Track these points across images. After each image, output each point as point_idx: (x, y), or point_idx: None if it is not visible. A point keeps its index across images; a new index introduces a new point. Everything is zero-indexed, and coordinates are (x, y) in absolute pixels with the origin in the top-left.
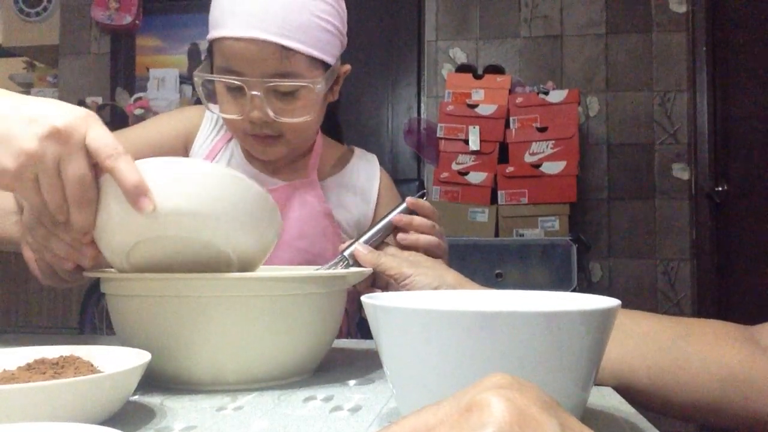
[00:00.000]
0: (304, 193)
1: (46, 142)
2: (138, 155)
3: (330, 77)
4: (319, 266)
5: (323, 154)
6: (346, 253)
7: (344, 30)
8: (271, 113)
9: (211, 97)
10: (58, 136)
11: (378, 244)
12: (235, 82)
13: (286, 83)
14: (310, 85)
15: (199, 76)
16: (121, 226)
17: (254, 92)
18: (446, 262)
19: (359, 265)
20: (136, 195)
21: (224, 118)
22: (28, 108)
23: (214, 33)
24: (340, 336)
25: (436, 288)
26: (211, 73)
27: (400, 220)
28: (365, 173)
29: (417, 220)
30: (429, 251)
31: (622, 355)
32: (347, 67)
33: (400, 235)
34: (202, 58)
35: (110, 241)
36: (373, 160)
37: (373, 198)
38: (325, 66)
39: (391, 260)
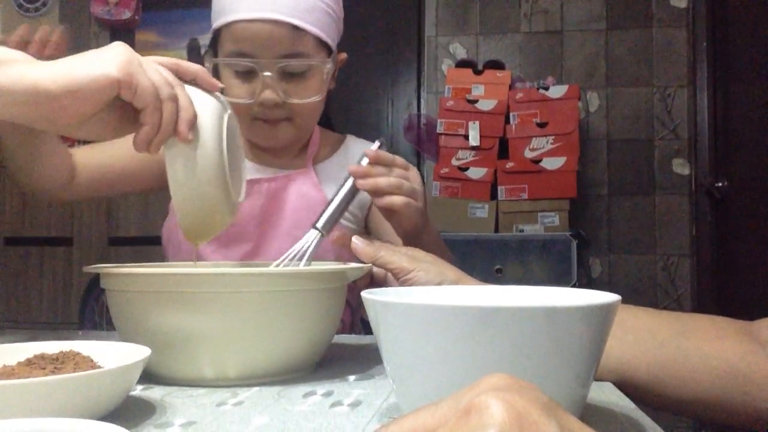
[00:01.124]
0: (301, 184)
1: (126, 48)
2: (130, 151)
3: (333, 60)
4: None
5: (319, 143)
6: (318, 225)
7: (342, 16)
8: (282, 94)
9: None
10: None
11: (345, 207)
12: (248, 64)
13: (299, 62)
14: (320, 65)
15: (210, 62)
16: (213, 116)
17: (267, 73)
18: (423, 205)
19: (355, 257)
20: (208, 77)
21: (232, 104)
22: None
23: (223, 19)
24: (344, 330)
25: (438, 284)
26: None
27: (357, 171)
28: (360, 151)
29: (376, 169)
30: (394, 193)
31: (621, 350)
32: (344, 55)
33: (359, 182)
34: (202, 53)
35: (211, 133)
36: (368, 143)
37: None
38: (329, 50)
39: (391, 254)
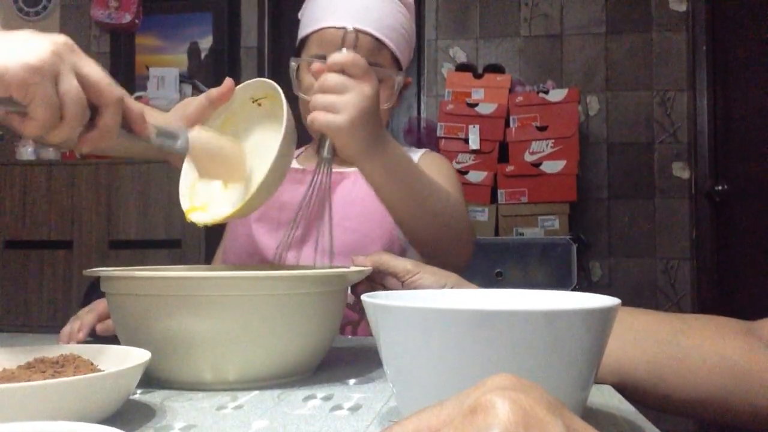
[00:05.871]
0: (353, 181)
1: (62, 48)
2: None
3: (402, 78)
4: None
5: None
6: (325, 154)
7: (413, 45)
8: None
9: (300, 85)
10: (70, 46)
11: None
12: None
13: (375, 70)
14: (392, 76)
15: (296, 62)
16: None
17: None
18: (356, 123)
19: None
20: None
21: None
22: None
23: (312, 27)
24: (346, 332)
25: (443, 285)
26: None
27: (317, 71)
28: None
29: (318, 85)
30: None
31: (621, 348)
32: (409, 78)
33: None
34: (202, 57)
35: None
36: (418, 150)
37: None
38: (399, 68)
39: (393, 258)
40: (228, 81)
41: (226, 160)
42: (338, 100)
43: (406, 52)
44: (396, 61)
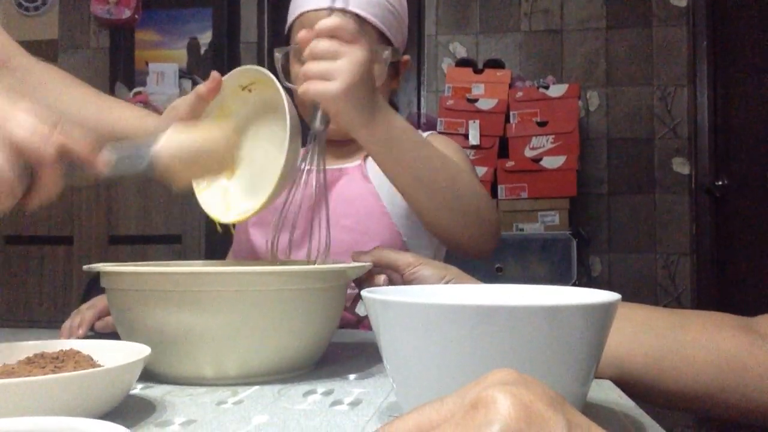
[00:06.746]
0: (352, 177)
1: None
2: None
3: (394, 54)
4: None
5: None
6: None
7: (405, 21)
8: None
9: (287, 76)
10: None
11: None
12: None
13: None
14: (378, 52)
15: (280, 51)
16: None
17: None
18: (349, 89)
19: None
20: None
21: (296, 92)
22: None
23: (294, 14)
24: (345, 325)
25: (443, 277)
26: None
27: (303, 39)
28: None
29: (307, 52)
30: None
31: (619, 342)
32: (407, 57)
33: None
34: (202, 53)
35: None
36: (423, 133)
37: None
38: (390, 46)
39: (391, 252)
40: (214, 74)
41: (210, 157)
42: (331, 66)
43: (395, 28)
44: (383, 37)
